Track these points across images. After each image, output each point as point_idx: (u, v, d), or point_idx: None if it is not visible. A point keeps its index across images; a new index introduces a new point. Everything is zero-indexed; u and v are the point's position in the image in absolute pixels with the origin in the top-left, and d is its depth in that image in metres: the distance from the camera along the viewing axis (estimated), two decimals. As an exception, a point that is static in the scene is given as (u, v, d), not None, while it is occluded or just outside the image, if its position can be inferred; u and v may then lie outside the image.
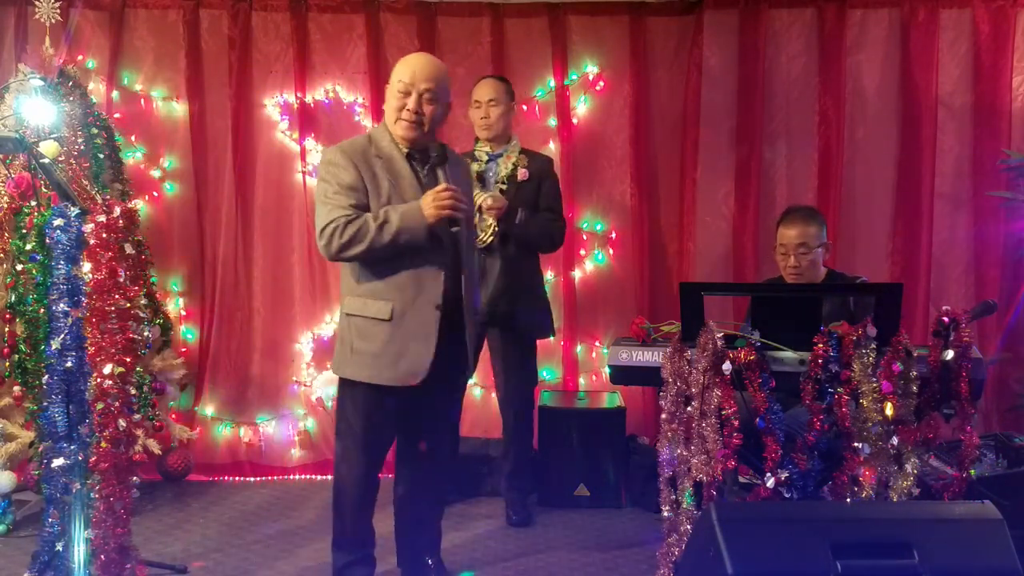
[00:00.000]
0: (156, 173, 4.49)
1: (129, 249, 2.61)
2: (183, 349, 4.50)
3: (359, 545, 3.06)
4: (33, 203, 3.67)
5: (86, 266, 2.58)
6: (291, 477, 4.47)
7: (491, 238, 3.70)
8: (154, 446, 3.99)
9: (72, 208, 2.64)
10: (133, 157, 4.42)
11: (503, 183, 3.77)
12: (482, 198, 3.66)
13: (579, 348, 4.59)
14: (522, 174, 3.78)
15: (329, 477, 4.41)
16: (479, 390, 4.49)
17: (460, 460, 4.11)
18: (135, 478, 2.68)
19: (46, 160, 3.02)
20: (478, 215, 3.65)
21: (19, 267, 3.67)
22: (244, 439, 4.50)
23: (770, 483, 2.55)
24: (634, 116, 4.48)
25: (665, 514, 2.78)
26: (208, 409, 4.50)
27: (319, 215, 2.83)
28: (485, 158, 3.82)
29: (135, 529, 2.86)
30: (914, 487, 2.58)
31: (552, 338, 4.09)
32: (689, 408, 2.65)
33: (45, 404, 2.64)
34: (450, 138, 4.41)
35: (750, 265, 4.46)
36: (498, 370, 3.94)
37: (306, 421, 4.53)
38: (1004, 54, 4.36)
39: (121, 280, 2.57)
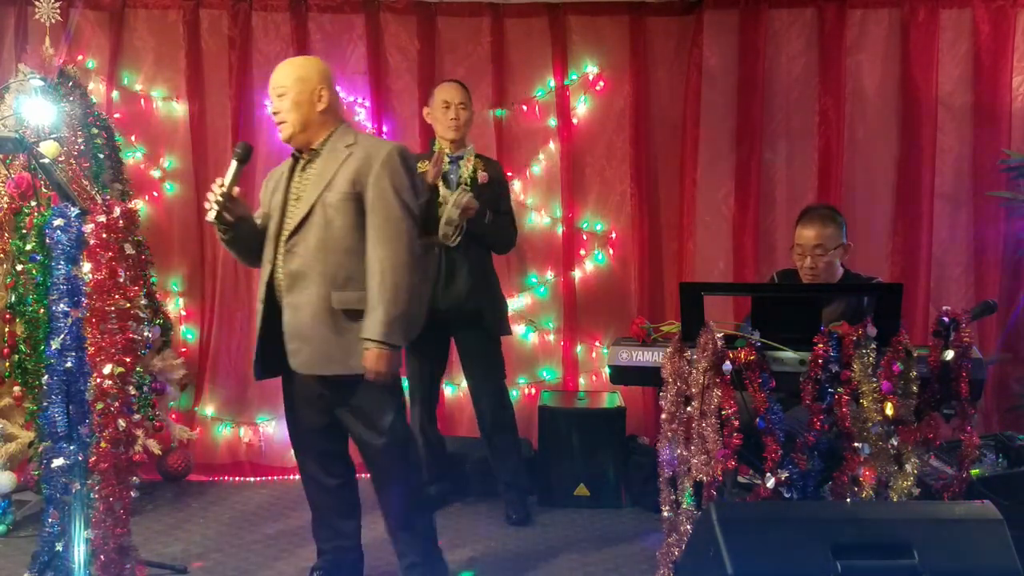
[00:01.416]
0: (156, 173, 4.49)
1: (129, 249, 2.61)
2: (183, 349, 4.50)
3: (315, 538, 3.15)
4: (33, 203, 3.68)
5: (86, 266, 2.59)
6: (291, 477, 4.46)
7: (458, 237, 3.64)
8: (154, 446, 3.99)
9: (72, 208, 2.64)
10: (133, 157, 4.42)
11: (467, 185, 3.78)
12: (461, 194, 3.65)
13: (579, 348, 4.59)
14: (482, 177, 3.79)
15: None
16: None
17: (449, 462, 4.14)
18: (135, 478, 2.69)
19: (46, 160, 3.02)
20: (458, 210, 3.59)
21: (19, 267, 3.67)
22: (244, 439, 4.51)
23: (770, 483, 2.55)
24: (634, 116, 4.48)
25: (665, 514, 2.78)
26: (208, 409, 4.50)
27: None
28: (447, 160, 3.79)
29: (135, 529, 2.87)
30: (914, 487, 2.58)
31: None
32: (689, 408, 2.66)
33: (45, 404, 2.64)
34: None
35: (750, 265, 4.45)
36: (469, 371, 3.93)
37: (306, 421, 4.52)
38: (1004, 54, 4.36)
39: (121, 280, 2.57)
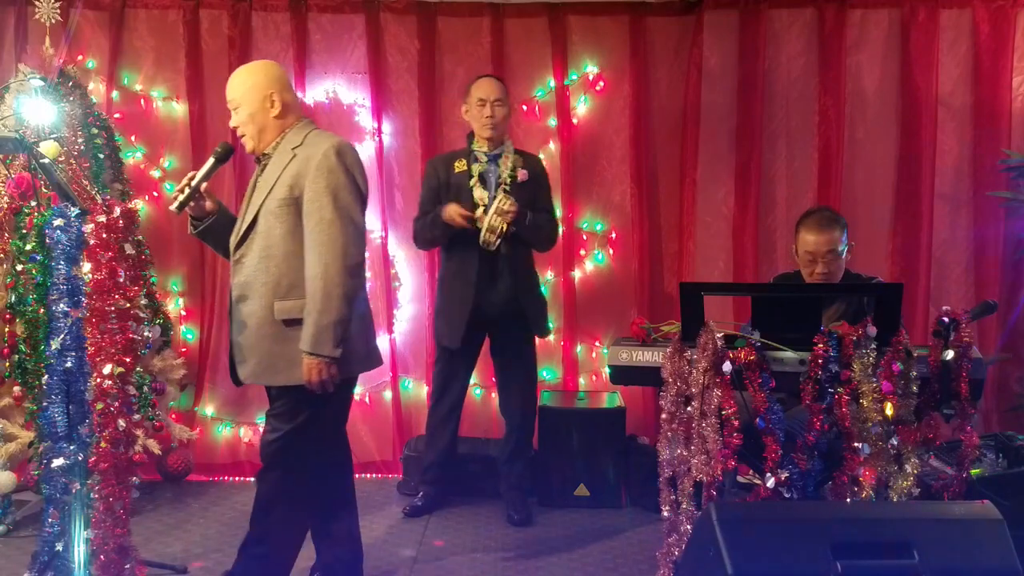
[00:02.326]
0: (156, 173, 4.49)
1: (129, 249, 2.61)
2: (183, 349, 4.49)
3: None
4: (33, 203, 3.67)
5: (86, 266, 2.58)
6: (291, 477, 4.46)
7: (499, 241, 3.71)
8: (154, 446, 3.99)
9: (72, 208, 2.63)
10: (133, 157, 4.42)
11: (506, 185, 3.78)
12: (503, 200, 3.67)
13: (579, 348, 4.59)
14: (522, 175, 3.80)
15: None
16: (479, 390, 4.49)
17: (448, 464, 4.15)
18: (135, 478, 2.68)
19: (46, 160, 3.02)
20: (499, 217, 3.65)
21: (19, 267, 3.67)
22: (244, 439, 4.50)
23: (770, 483, 2.55)
24: (634, 116, 4.48)
25: (665, 514, 2.78)
26: (208, 409, 4.50)
27: None
28: (485, 159, 3.84)
29: (135, 529, 2.87)
30: (914, 487, 2.58)
31: (550, 338, 4.10)
32: (689, 408, 2.65)
33: (45, 404, 2.64)
34: (451, 137, 4.44)
35: (750, 265, 4.46)
36: (506, 369, 3.96)
37: (306, 421, 4.52)
38: (1004, 54, 4.36)
39: (121, 280, 2.57)
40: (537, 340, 4.03)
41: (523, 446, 3.97)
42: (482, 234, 3.67)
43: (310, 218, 2.69)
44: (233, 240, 2.84)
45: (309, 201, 2.69)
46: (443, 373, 3.97)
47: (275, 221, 2.73)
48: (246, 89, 2.81)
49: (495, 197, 3.72)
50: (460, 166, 3.82)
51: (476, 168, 3.81)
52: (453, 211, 3.69)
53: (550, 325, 4.07)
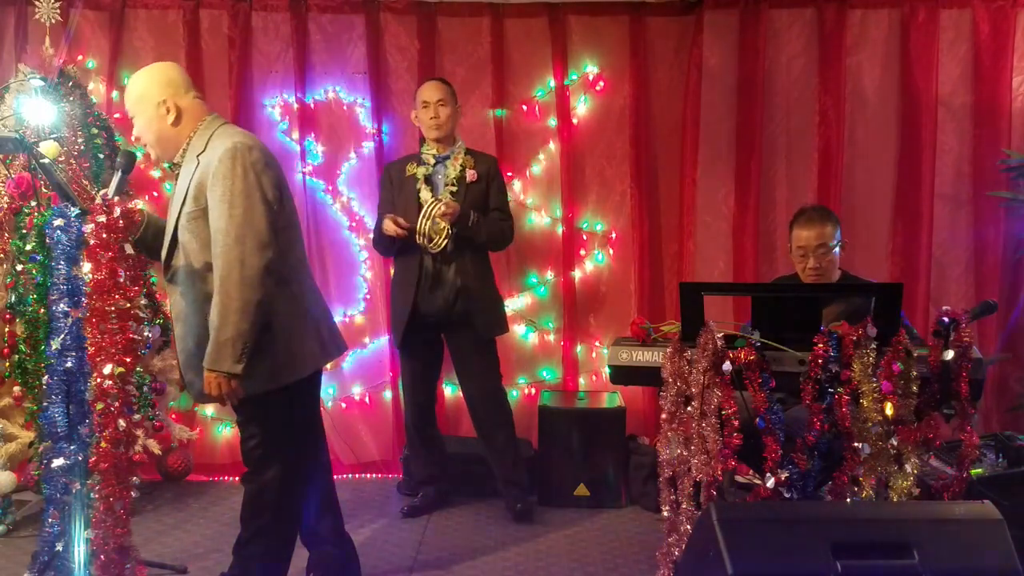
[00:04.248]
0: (156, 173, 4.49)
1: (129, 249, 2.61)
2: (183, 349, 4.49)
3: None
4: (33, 203, 3.67)
5: (86, 266, 2.58)
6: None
7: (445, 242, 3.72)
8: (154, 446, 3.99)
9: (72, 208, 2.63)
10: (133, 157, 4.42)
11: (453, 185, 3.79)
12: (434, 204, 3.69)
13: (579, 348, 4.59)
14: (471, 175, 3.81)
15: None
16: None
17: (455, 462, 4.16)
18: (135, 478, 2.68)
19: (46, 160, 3.02)
20: (430, 221, 3.68)
21: (19, 267, 3.67)
22: (244, 439, 4.50)
23: (770, 483, 2.55)
24: (634, 116, 4.48)
25: (665, 514, 2.78)
26: (208, 409, 4.49)
27: None
28: (432, 161, 3.86)
29: (135, 529, 2.86)
30: (914, 487, 2.58)
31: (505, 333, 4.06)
32: (689, 408, 2.65)
33: (45, 404, 2.64)
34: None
35: (750, 265, 4.45)
36: (461, 372, 3.95)
37: (306, 421, 4.51)
38: (1004, 54, 4.36)
39: (121, 280, 2.56)
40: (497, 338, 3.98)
41: (501, 446, 3.93)
42: (419, 239, 3.69)
43: (212, 228, 2.61)
44: (163, 257, 2.78)
45: (210, 210, 2.61)
46: (402, 377, 4.04)
47: (190, 236, 2.67)
48: (137, 99, 2.74)
49: (439, 199, 3.73)
50: (411, 169, 3.85)
51: (421, 171, 3.83)
52: (389, 226, 3.72)
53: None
